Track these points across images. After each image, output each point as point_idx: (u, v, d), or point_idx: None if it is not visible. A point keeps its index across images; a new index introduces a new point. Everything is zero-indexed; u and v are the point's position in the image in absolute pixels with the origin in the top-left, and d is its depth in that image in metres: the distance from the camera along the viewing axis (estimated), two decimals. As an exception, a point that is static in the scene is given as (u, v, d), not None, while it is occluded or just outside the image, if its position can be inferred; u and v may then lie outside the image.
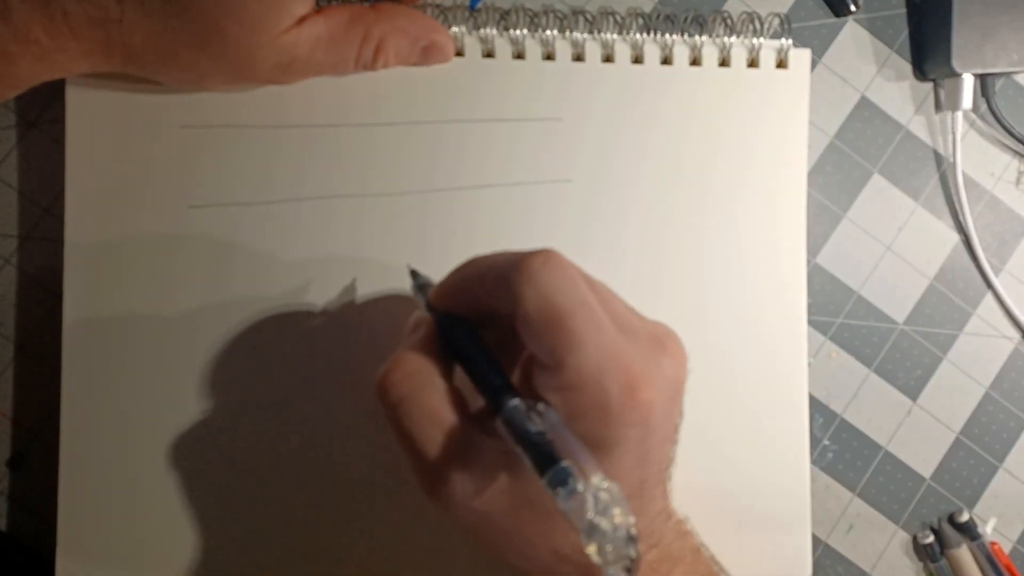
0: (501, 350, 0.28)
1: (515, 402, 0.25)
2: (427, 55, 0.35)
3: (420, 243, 0.36)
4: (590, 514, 0.21)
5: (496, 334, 0.28)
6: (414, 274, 0.32)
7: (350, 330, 0.35)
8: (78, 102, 0.35)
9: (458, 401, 0.27)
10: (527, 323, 0.25)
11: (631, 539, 0.21)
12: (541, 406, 0.25)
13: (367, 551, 0.35)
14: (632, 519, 0.21)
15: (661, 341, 0.27)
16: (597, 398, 0.24)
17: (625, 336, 0.25)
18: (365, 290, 0.36)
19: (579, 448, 0.23)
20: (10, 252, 0.37)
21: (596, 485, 0.21)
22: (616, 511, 0.21)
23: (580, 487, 0.21)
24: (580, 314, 0.25)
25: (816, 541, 0.39)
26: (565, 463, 0.22)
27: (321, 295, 0.35)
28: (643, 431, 0.25)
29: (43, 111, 0.36)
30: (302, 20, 0.31)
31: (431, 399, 0.26)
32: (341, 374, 0.35)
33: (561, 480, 0.22)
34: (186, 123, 0.35)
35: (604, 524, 0.21)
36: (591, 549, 0.21)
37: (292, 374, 0.35)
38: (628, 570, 0.21)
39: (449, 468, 0.26)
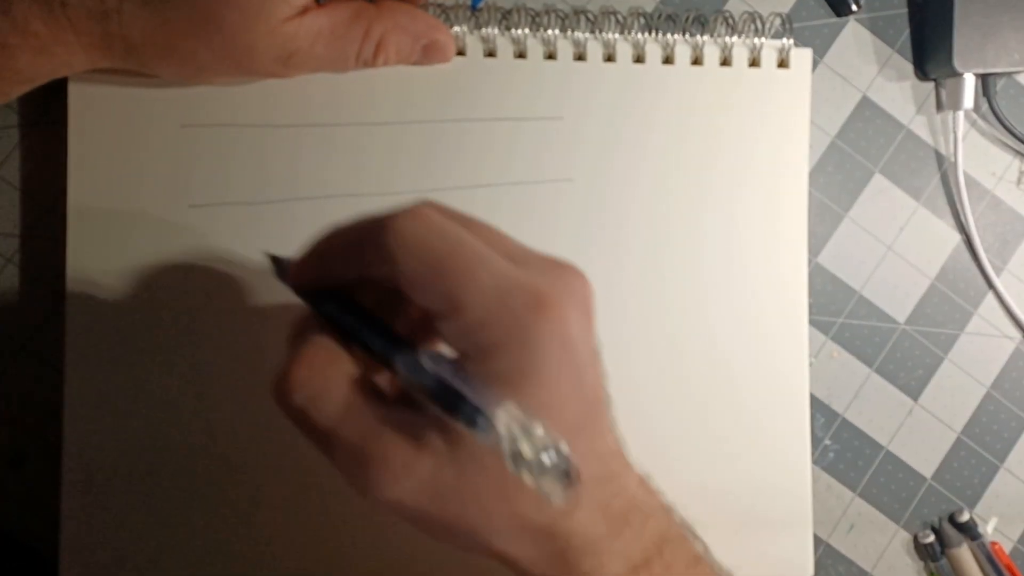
0: (385, 313, 0.26)
1: (406, 356, 0.24)
2: (428, 54, 0.35)
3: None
4: (508, 438, 0.20)
5: (374, 297, 0.27)
6: (275, 260, 0.29)
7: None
8: (80, 101, 0.35)
9: (371, 383, 0.26)
10: (411, 281, 0.24)
11: (559, 453, 0.20)
12: (435, 351, 0.24)
13: (368, 552, 0.35)
14: (558, 438, 0.20)
15: (559, 264, 0.26)
16: (506, 324, 0.23)
17: (518, 265, 0.24)
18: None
19: (488, 382, 0.22)
20: (12, 251, 0.37)
21: (508, 411, 0.21)
22: (537, 430, 0.20)
23: (494, 418, 0.21)
24: (461, 252, 0.24)
25: (817, 541, 0.39)
26: (472, 398, 0.21)
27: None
28: (564, 347, 0.24)
29: (45, 111, 0.36)
30: (304, 12, 0.31)
31: (341, 389, 0.25)
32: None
33: (471, 417, 0.21)
34: (187, 122, 0.35)
35: (526, 447, 0.20)
36: (524, 476, 0.20)
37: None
38: (565, 485, 0.20)
39: (384, 455, 0.24)
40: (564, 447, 0.20)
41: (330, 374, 0.25)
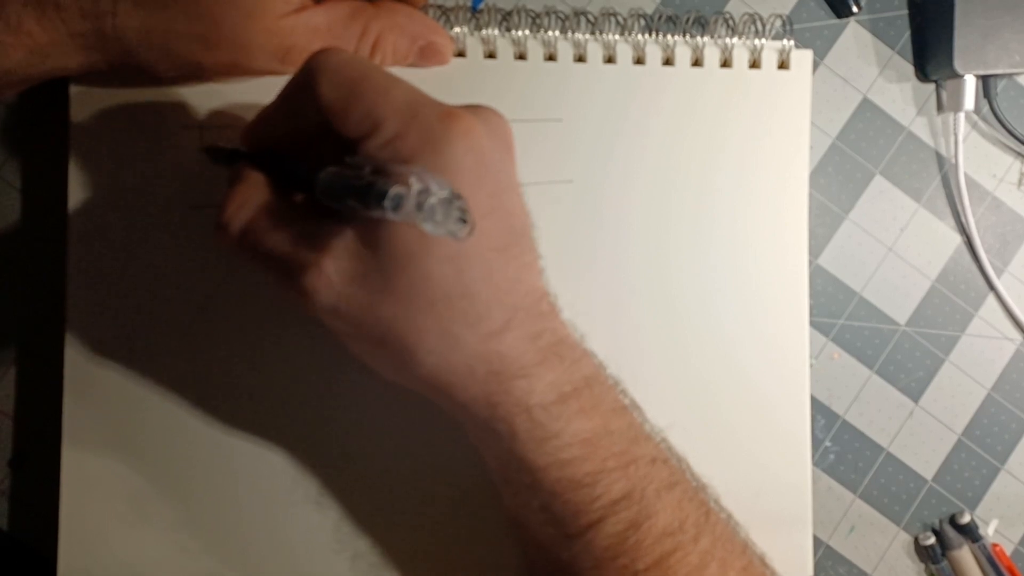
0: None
1: (322, 171, 0.25)
2: (425, 55, 0.35)
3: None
4: (415, 194, 0.22)
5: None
6: (208, 149, 0.32)
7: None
8: (81, 102, 0.34)
9: (295, 205, 0.28)
10: (331, 106, 0.26)
11: (454, 196, 0.22)
12: (348, 157, 0.25)
13: (367, 553, 0.35)
14: (449, 186, 0.22)
15: (475, 105, 0.27)
16: (420, 131, 0.25)
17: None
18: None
19: (399, 164, 0.24)
20: (13, 252, 0.37)
21: (413, 172, 0.22)
22: (434, 187, 0.22)
23: (398, 189, 0.22)
24: (375, 73, 0.26)
25: (817, 542, 0.39)
26: (376, 182, 0.23)
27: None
28: (478, 161, 0.26)
29: (46, 111, 0.36)
30: (301, 9, 0.31)
31: (269, 214, 0.27)
32: (345, 372, 0.35)
33: (379, 198, 0.22)
34: (188, 123, 0.35)
35: (428, 199, 0.22)
36: (427, 225, 0.22)
37: (295, 373, 0.35)
38: (465, 227, 0.22)
39: (316, 261, 0.26)
40: (457, 192, 0.22)
41: (256, 201, 0.28)
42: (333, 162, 0.26)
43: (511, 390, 0.27)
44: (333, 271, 0.26)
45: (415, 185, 0.22)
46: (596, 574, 0.28)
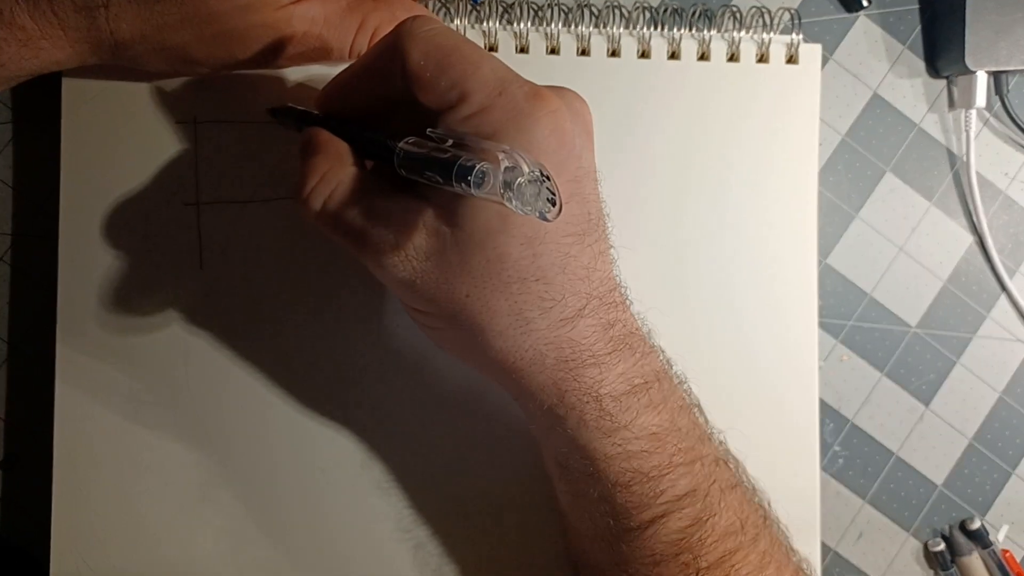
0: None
1: (404, 143, 0.25)
2: None
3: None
4: (498, 177, 0.21)
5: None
6: (274, 110, 0.32)
7: (351, 327, 0.35)
8: (73, 97, 0.34)
9: (375, 177, 0.28)
10: (419, 74, 0.25)
11: (543, 177, 0.22)
12: (430, 130, 0.25)
13: (365, 554, 0.35)
14: (542, 164, 0.22)
15: (559, 87, 0.27)
16: (506, 107, 0.25)
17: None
18: (364, 287, 0.35)
19: (483, 140, 0.24)
20: (3, 250, 0.36)
21: (503, 151, 0.22)
22: (524, 166, 0.21)
23: (484, 166, 0.22)
24: (466, 46, 0.26)
25: (825, 549, 0.38)
26: (461, 156, 0.22)
27: (320, 292, 0.35)
28: (561, 142, 0.25)
29: (38, 107, 0.36)
30: (297, 1, 0.30)
31: (349, 188, 0.27)
32: (341, 372, 0.35)
33: (464, 173, 0.22)
34: (181, 119, 0.34)
35: (518, 178, 0.21)
36: (515, 205, 0.21)
37: (288, 373, 0.35)
38: (552, 207, 0.22)
39: (396, 238, 0.26)
40: (546, 171, 0.22)
41: (337, 175, 0.27)
42: (412, 132, 0.25)
43: (581, 378, 0.27)
44: (411, 247, 0.26)
45: (504, 162, 0.21)
46: (656, 570, 0.28)
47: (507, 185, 0.21)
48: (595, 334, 0.27)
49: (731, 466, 0.30)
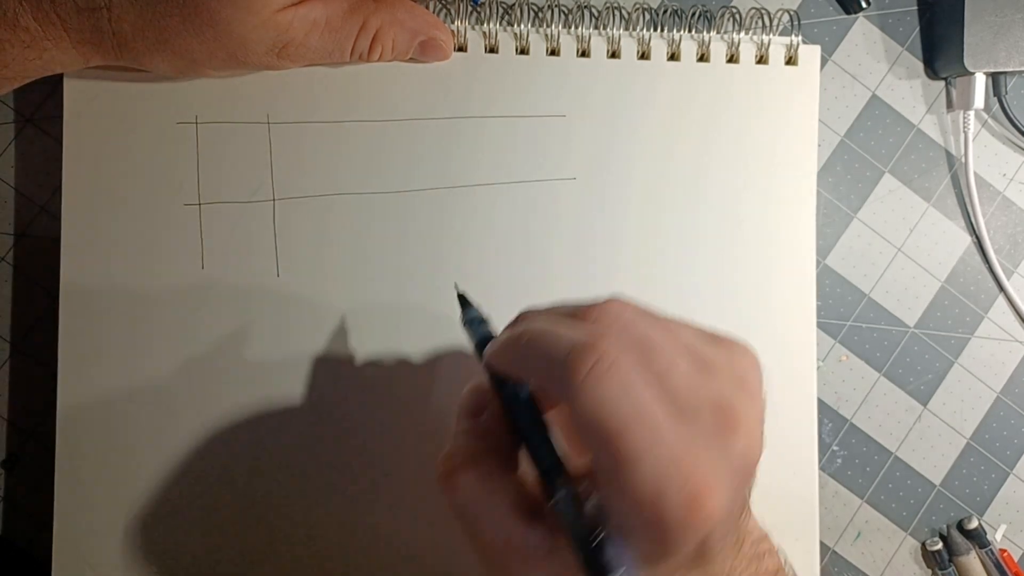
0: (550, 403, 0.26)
1: (563, 492, 0.23)
2: (425, 51, 0.34)
3: (422, 241, 0.35)
4: None
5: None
6: (463, 301, 0.29)
7: (350, 326, 0.35)
8: (76, 98, 0.34)
9: (523, 503, 0.25)
10: (580, 428, 0.23)
11: None
12: (592, 501, 0.23)
13: (365, 554, 0.35)
14: None
15: (728, 414, 0.23)
16: (654, 519, 0.22)
17: (686, 425, 0.23)
18: (364, 287, 0.35)
19: (629, 552, 0.22)
20: (6, 250, 0.36)
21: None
22: None
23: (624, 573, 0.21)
24: (634, 428, 0.22)
25: (823, 548, 0.38)
26: (605, 557, 0.21)
27: (320, 292, 0.35)
28: (704, 542, 0.23)
29: (40, 108, 0.36)
30: (299, 2, 0.30)
31: (498, 509, 0.25)
32: (340, 370, 0.35)
33: (601, 571, 0.21)
34: (183, 119, 0.34)
35: None
36: None
37: (289, 372, 0.35)
38: None
39: (515, 567, 0.24)
40: None
41: (494, 489, 0.25)
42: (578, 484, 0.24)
43: None
44: None
45: None
46: None
47: None
48: None
49: None
